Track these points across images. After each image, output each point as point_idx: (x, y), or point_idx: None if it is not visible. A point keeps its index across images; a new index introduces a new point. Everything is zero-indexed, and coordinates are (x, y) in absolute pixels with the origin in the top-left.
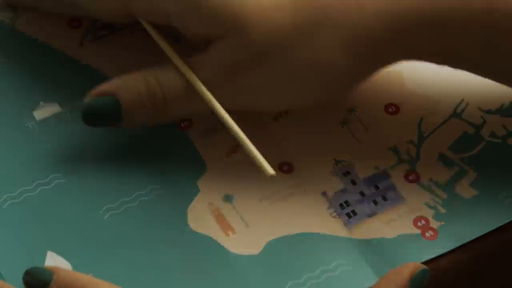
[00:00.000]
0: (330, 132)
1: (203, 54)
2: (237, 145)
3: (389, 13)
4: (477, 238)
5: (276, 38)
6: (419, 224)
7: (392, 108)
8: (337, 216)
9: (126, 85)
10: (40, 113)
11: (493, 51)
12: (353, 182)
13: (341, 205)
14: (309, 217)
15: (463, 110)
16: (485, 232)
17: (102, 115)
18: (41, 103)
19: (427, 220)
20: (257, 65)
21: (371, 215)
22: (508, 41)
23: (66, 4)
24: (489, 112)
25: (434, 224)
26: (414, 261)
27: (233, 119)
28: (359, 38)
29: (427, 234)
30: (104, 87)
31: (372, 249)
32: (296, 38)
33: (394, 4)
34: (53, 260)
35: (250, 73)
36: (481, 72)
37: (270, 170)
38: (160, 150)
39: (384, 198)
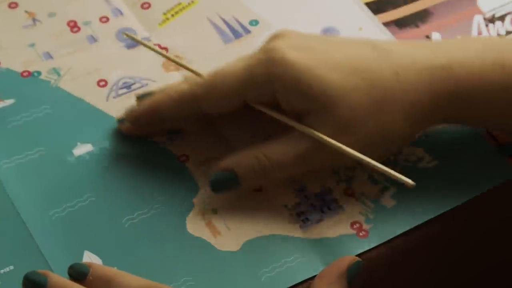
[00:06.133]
0: None
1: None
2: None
3: (435, 93)
4: (396, 236)
5: (356, 113)
6: (354, 226)
7: None
8: (295, 222)
9: (241, 162)
10: (77, 151)
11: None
12: (306, 197)
13: (298, 214)
14: (275, 223)
15: None
16: (402, 231)
17: (225, 184)
18: (78, 143)
19: (360, 224)
20: (342, 134)
21: (319, 220)
22: None
23: (190, 113)
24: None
25: (366, 226)
26: (350, 254)
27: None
28: (416, 111)
29: (360, 234)
30: (225, 164)
31: (320, 245)
32: (370, 113)
33: (437, 85)
34: (89, 257)
35: (336, 140)
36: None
37: (410, 182)
38: (163, 177)
39: (329, 208)
